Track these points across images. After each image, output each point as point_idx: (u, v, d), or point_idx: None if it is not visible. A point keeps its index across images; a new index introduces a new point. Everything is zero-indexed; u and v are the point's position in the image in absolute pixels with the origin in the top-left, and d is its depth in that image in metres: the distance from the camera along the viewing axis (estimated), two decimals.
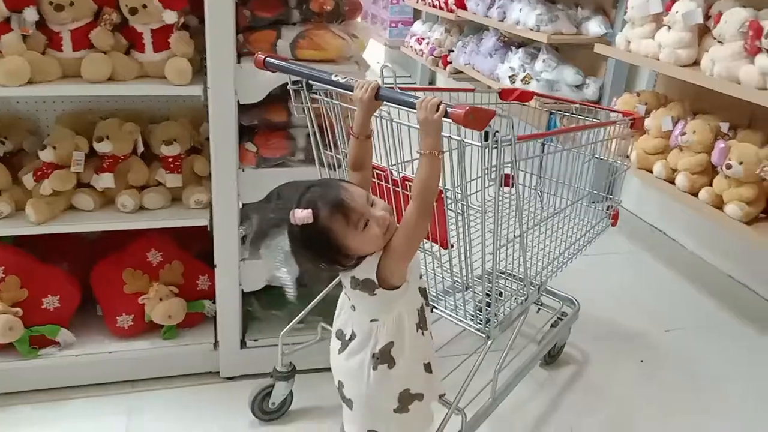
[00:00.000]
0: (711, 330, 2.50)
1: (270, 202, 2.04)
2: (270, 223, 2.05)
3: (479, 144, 1.28)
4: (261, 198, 1.93)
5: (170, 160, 1.95)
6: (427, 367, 1.39)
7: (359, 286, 1.29)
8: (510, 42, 3.99)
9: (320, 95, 1.56)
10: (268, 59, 1.54)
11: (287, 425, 1.90)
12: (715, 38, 2.35)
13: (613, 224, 1.99)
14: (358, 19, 2.08)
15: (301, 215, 1.18)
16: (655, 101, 2.81)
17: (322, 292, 1.86)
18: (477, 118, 1.15)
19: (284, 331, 1.86)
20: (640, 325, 2.50)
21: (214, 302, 2.01)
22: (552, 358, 2.21)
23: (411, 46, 5.55)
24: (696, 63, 2.51)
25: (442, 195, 1.40)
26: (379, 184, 1.53)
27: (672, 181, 2.52)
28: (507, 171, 1.36)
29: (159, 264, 2.06)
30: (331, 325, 1.45)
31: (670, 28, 2.56)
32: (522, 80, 3.47)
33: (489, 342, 1.59)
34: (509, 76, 3.60)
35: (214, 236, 1.91)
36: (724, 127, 2.46)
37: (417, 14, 5.99)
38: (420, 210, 1.23)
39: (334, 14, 1.91)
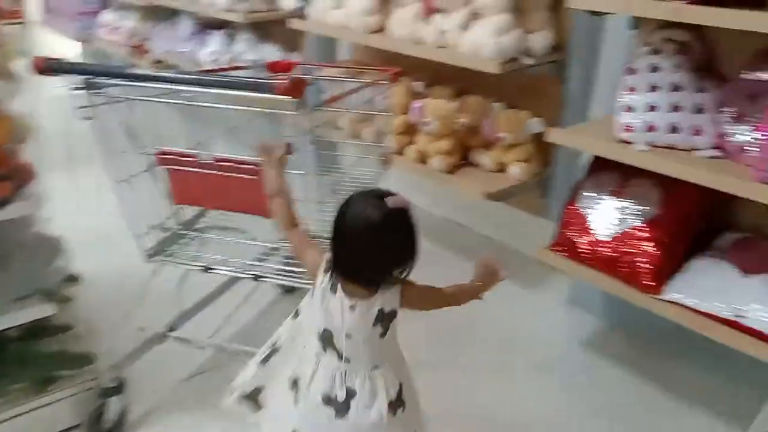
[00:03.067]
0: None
1: None
2: None
3: (294, 113, 1.37)
4: None
5: None
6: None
7: (381, 322, 1.20)
8: (207, 24, 3.79)
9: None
10: (50, 61, 1.45)
11: None
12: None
13: (389, 167, 2.14)
14: None
15: (400, 199, 1.15)
16: None
17: None
18: (297, 86, 1.32)
19: None
20: None
21: None
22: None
23: (104, 38, 5.03)
24: (384, 28, 2.59)
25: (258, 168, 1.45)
26: (189, 171, 1.57)
27: None
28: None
29: None
30: None
31: None
32: (226, 64, 3.31)
33: None
34: (212, 61, 3.41)
35: None
36: (418, 86, 2.59)
37: (106, 2, 5.44)
38: (448, 304, 1.31)
39: None
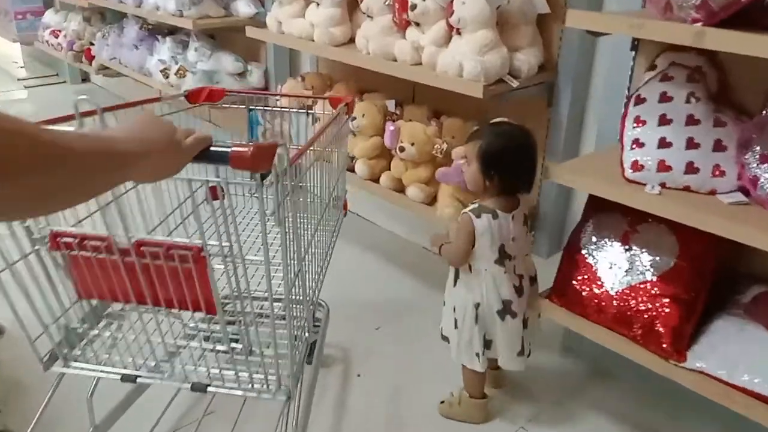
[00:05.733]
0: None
1: None
2: None
3: (252, 183, 1.00)
4: None
5: None
6: None
7: (526, 223, 1.65)
8: (157, 30, 3.48)
9: None
10: None
11: None
12: (364, 13, 2.19)
13: (345, 213, 1.82)
14: None
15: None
16: (321, 84, 2.61)
17: None
18: (263, 157, 0.96)
19: None
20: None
21: None
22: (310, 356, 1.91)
23: (47, 41, 4.65)
24: (353, 40, 2.34)
25: (202, 254, 1.05)
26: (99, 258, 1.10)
27: (352, 169, 2.35)
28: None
29: None
30: None
31: (318, 4, 2.34)
32: (176, 74, 3.02)
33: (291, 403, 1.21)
34: (161, 70, 3.11)
35: None
36: (391, 105, 2.35)
37: (48, 2, 5.05)
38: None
39: None
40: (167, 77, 3.08)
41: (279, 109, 1.90)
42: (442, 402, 1.82)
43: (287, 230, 1.07)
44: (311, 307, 1.46)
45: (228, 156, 0.94)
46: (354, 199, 2.93)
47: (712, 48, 1.24)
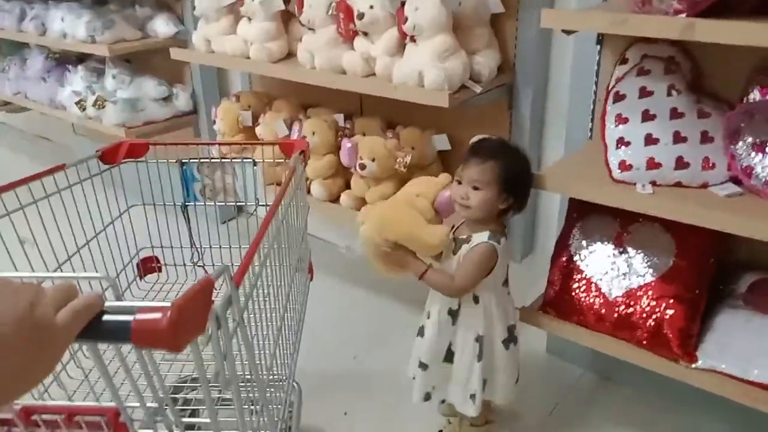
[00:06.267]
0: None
1: None
2: None
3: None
4: None
5: None
6: None
7: None
8: (65, 59, 3.19)
9: None
10: None
11: None
12: (304, 25, 2.05)
13: (311, 277, 1.59)
14: None
15: None
16: (259, 103, 2.45)
17: None
18: (190, 322, 0.64)
19: None
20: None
21: None
22: None
23: None
24: (291, 54, 2.20)
25: (121, 420, 0.79)
26: None
27: (307, 191, 2.21)
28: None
29: None
30: None
31: (250, 19, 2.19)
32: (95, 105, 2.76)
33: None
34: (76, 102, 2.84)
35: None
36: (340, 119, 2.22)
37: None
38: None
39: None
40: (84, 109, 2.82)
41: (219, 159, 1.58)
42: None
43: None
44: (284, 391, 1.25)
45: (129, 331, 0.61)
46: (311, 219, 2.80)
47: (703, 40, 1.19)
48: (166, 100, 2.85)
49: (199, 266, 1.62)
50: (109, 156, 1.42)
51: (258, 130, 2.32)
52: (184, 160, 1.54)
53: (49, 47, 3.17)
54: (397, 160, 1.96)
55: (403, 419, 1.81)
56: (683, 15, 1.22)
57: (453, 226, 1.52)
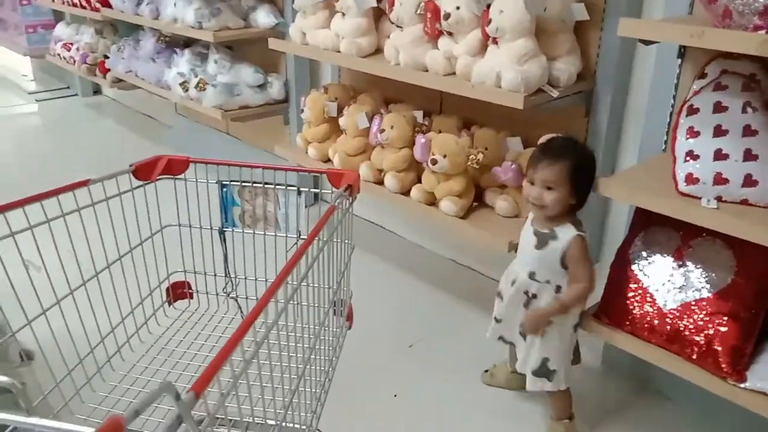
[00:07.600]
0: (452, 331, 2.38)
1: None
2: None
3: None
4: None
5: None
6: None
7: None
8: (173, 42, 3.44)
9: None
10: None
11: None
12: (393, 23, 2.14)
13: (350, 326, 1.39)
14: None
15: None
16: (345, 95, 2.56)
17: None
18: None
19: None
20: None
21: None
22: None
23: (58, 54, 4.62)
24: (379, 50, 2.30)
25: None
26: None
27: (381, 182, 2.30)
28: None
29: None
30: None
31: (344, 14, 2.30)
32: (196, 87, 2.97)
33: None
34: (180, 83, 3.07)
35: None
36: (419, 116, 2.30)
37: (59, 15, 5.03)
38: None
39: None
40: (186, 90, 3.04)
41: (261, 185, 1.38)
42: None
43: None
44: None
45: None
46: (382, 211, 2.88)
47: None
48: (261, 87, 3.02)
49: (231, 298, 1.46)
50: (143, 171, 1.30)
51: (341, 120, 2.44)
52: (225, 182, 1.39)
53: (161, 30, 3.42)
54: (470, 158, 2.02)
55: (453, 402, 1.87)
56: (763, 31, 1.22)
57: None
